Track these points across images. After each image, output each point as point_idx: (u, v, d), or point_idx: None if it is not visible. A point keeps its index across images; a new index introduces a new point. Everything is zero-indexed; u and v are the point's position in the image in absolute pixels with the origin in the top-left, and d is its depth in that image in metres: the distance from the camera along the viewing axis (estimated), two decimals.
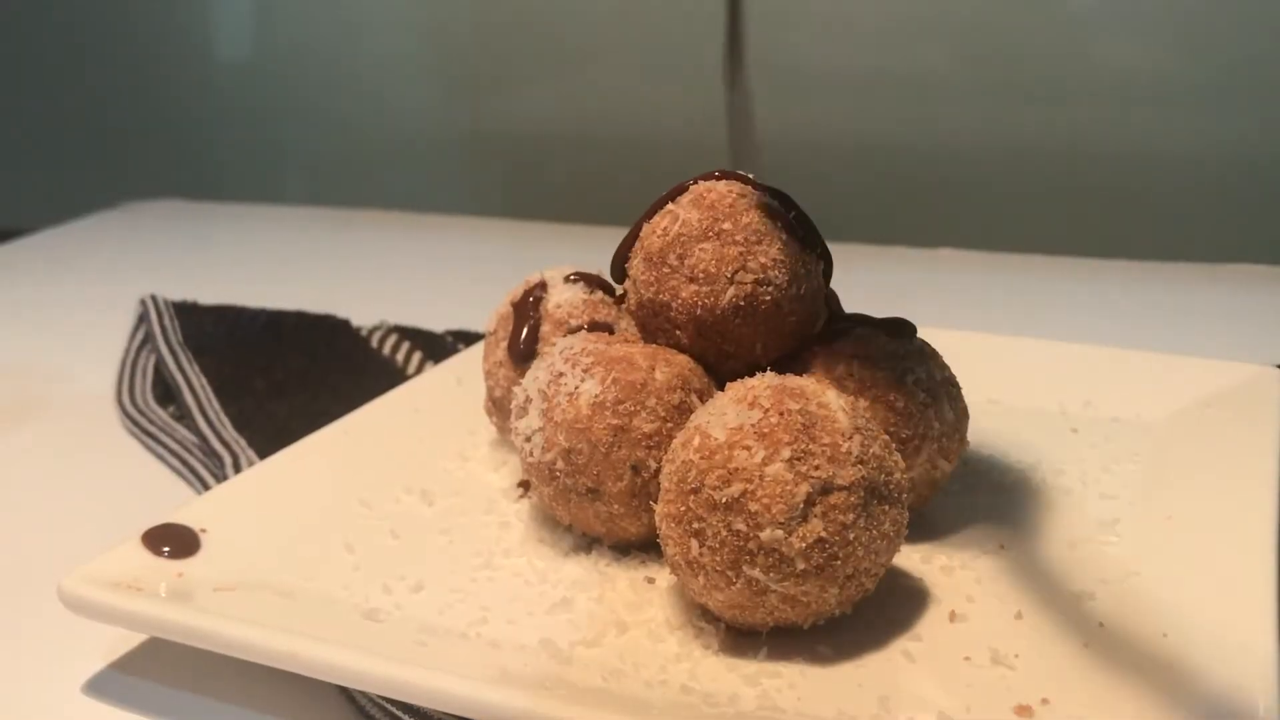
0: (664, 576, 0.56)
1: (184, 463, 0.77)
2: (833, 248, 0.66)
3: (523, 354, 0.66)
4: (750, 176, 0.61)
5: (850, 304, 0.67)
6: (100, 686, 0.53)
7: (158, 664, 0.54)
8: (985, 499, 0.63)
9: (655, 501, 0.52)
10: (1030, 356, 0.79)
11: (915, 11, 1.41)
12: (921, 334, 0.62)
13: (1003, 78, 1.39)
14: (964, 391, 0.63)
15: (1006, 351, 0.80)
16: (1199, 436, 0.68)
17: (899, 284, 1.16)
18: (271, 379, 0.88)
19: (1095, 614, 0.51)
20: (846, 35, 1.44)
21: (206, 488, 0.72)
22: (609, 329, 0.65)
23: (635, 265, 0.61)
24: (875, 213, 1.49)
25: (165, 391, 0.88)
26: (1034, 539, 0.58)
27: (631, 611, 0.54)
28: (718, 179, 0.60)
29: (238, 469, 0.72)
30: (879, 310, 0.66)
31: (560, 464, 0.57)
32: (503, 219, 1.54)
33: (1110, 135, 1.36)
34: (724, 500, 0.48)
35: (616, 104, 1.58)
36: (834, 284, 0.64)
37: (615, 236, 0.63)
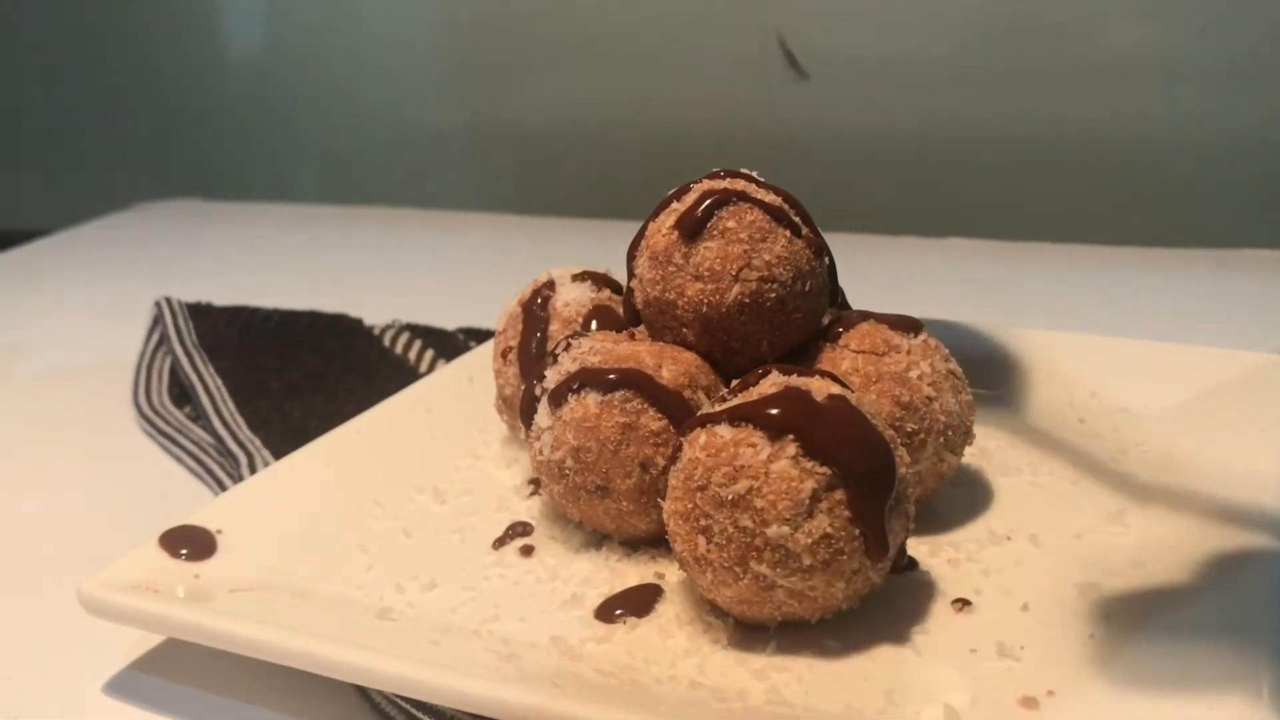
0: (673, 572, 0.57)
1: (200, 463, 0.78)
2: (841, 238, 0.66)
3: (532, 354, 0.66)
4: (753, 174, 0.62)
5: (859, 294, 0.67)
6: (120, 687, 0.54)
7: (176, 664, 0.55)
8: (991, 491, 0.64)
9: (664, 498, 0.53)
10: (1037, 346, 0.79)
11: None
12: (926, 326, 0.63)
13: (1010, 65, 1.39)
14: (969, 383, 0.63)
15: (1013, 342, 0.80)
16: (1207, 426, 0.68)
17: (908, 274, 1.16)
18: (286, 379, 0.89)
19: (1102, 605, 0.52)
20: (854, 23, 1.44)
21: (222, 488, 0.73)
22: (618, 327, 0.65)
23: (641, 264, 0.61)
24: (884, 202, 1.49)
25: (181, 393, 0.89)
26: (1040, 530, 0.58)
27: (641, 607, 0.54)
28: (721, 177, 0.61)
29: (253, 469, 0.73)
30: (888, 300, 0.66)
31: (569, 462, 0.57)
32: (514, 215, 1.54)
33: (1118, 122, 1.36)
34: (730, 497, 0.48)
35: (627, 100, 1.58)
36: (842, 275, 0.65)
37: (626, 231, 0.64)
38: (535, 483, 0.66)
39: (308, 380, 0.89)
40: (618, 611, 0.54)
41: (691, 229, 0.58)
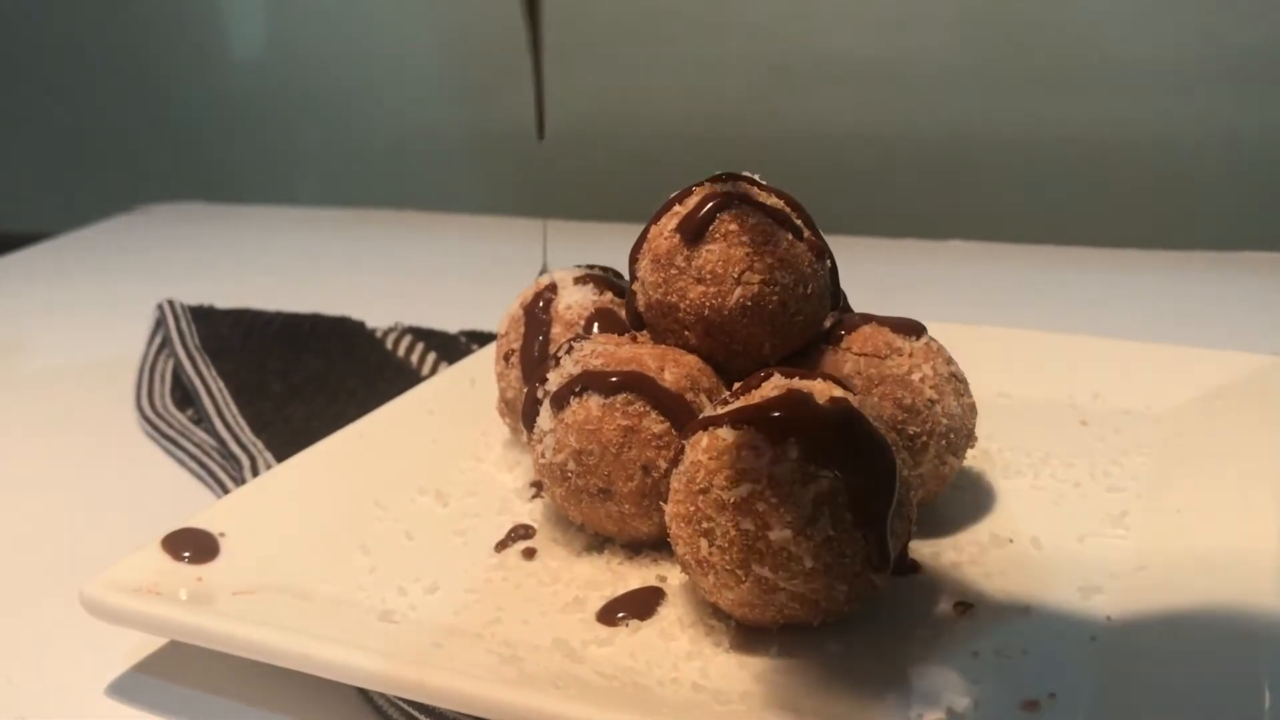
0: (675, 575, 0.57)
1: (203, 465, 0.78)
2: (842, 240, 0.66)
3: (534, 357, 0.66)
4: (755, 177, 0.62)
5: (860, 297, 0.68)
6: (123, 689, 0.54)
7: (179, 666, 0.55)
8: (994, 493, 0.64)
9: (666, 501, 0.53)
10: (1039, 349, 0.79)
11: None
12: (929, 328, 0.63)
13: (1011, 66, 1.39)
14: (973, 385, 0.63)
15: (1015, 344, 0.80)
16: (1209, 428, 0.68)
17: (909, 276, 1.16)
18: (288, 382, 0.89)
19: (1103, 608, 0.52)
20: (854, 23, 1.44)
21: (225, 490, 0.73)
22: (620, 329, 0.65)
23: (643, 267, 0.61)
24: (885, 205, 1.49)
25: (183, 395, 0.89)
26: (1042, 533, 0.59)
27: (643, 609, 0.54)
28: (723, 180, 0.61)
29: (255, 472, 0.73)
30: (889, 303, 0.66)
31: (571, 465, 0.57)
32: (516, 217, 1.54)
33: (1120, 124, 1.36)
34: (732, 500, 0.49)
35: (629, 102, 1.58)
36: (843, 277, 0.65)
37: (628, 233, 0.64)
38: (537, 485, 0.66)
39: (310, 383, 0.89)
40: (620, 614, 0.54)
41: (693, 232, 0.58)
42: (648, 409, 0.57)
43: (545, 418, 0.59)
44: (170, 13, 1.86)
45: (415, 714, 0.50)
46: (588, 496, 0.58)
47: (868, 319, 0.62)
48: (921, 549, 0.58)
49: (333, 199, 1.79)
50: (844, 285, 0.65)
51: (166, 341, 0.98)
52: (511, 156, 1.70)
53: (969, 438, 0.61)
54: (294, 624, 0.52)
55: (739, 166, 0.62)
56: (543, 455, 0.59)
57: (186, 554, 0.57)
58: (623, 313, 0.67)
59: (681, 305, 0.59)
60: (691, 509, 0.50)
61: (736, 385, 0.54)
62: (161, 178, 1.92)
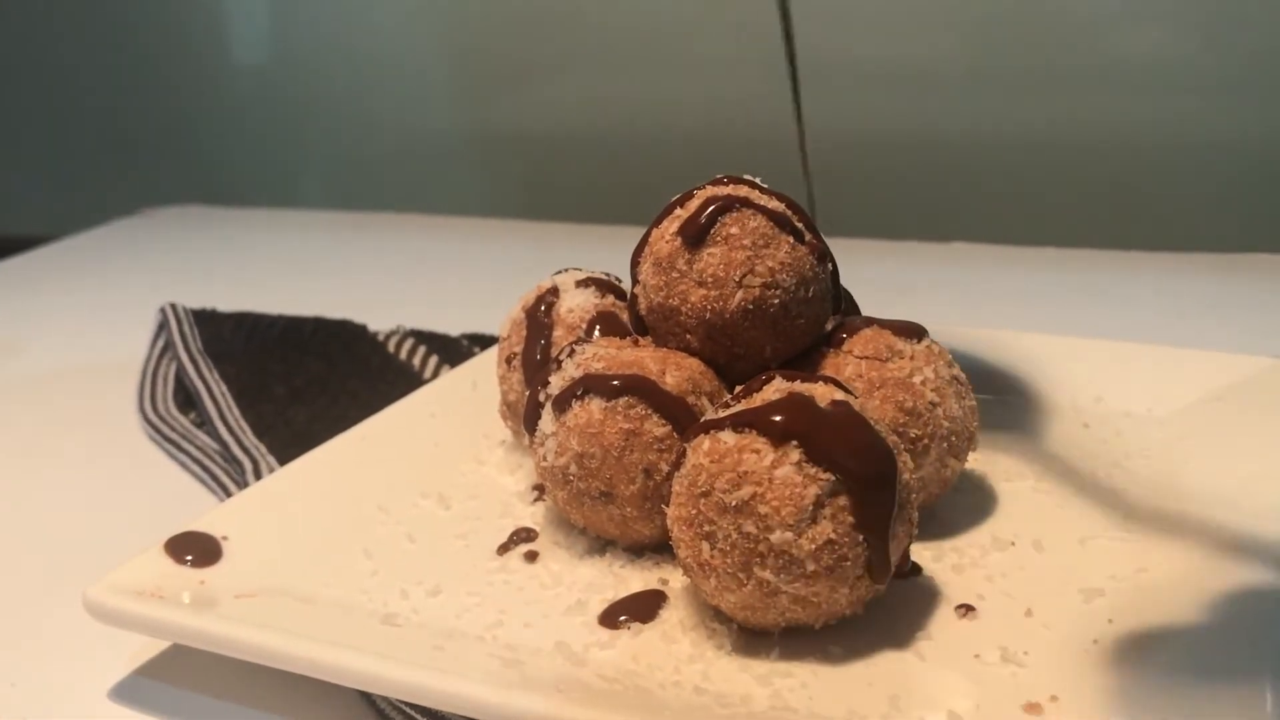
0: (677, 578, 0.57)
1: (205, 469, 0.78)
2: (843, 242, 0.66)
3: (536, 360, 0.66)
4: (756, 180, 0.62)
5: (863, 299, 0.68)
6: (125, 692, 0.54)
7: (182, 670, 0.55)
8: (995, 497, 0.64)
9: (667, 504, 0.53)
10: (1041, 351, 0.79)
11: (926, 1, 1.41)
12: (930, 331, 0.63)
13: (1015, 69, 1.39)
14: (974, 388, 0.63)
15: (1017, 346, 0.80)
16: (1211, 431, 0.68)
17: (911, 278, 1.16)
18: (290, 385, 0.89)
19: (1105, 611, 0.52)
20: (856, 26, 1.44)
21: (227, 494, 0.73)
22: (622, 332, 0.65)
23: (645, 270, 0.61)
24: (887, 207, 1.49)
25: (186, 399, 0.90)
26: (1044, 535, 0.58)
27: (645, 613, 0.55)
28: (725, 183, 0.61)
29: (258, 475, 0.73)
30: (891, 304, 0.66)
31: (573, 468, 0.57)
32: (518, 220, 1.55)
33: (1123, 127, 1.36)
34: (734, 503, 0.49)
35: (632, 104, 1.58)
36: (845, 279, 0.65)
37: (631, 236, 0.64)
38: (539, 488, 0.66)
39: (312, 385, 0.90)
40: (622, 617, 0.54)
41: (695, 235, 0.58)
42: (649, 412, 0.57)
43: (547, 421, 0.59)
44: (172, 16, 1.86)
45: (417, 717, 0.50)
46: (589, 499, 0.58)
47: (869, 322, 0.62)
48: (923, 551, 0.58)
49: (334, 202, 1.79)
50: (845, 287, 0.65)
51: (169, 345, 0.98)
52: (514, 159, 1.70)
53: (970, 440, 0.61)
54: (296, 627, 0.52)
55: (740, 169, 0.62)
56: (544, 458, 0.59)
57: (189, 557, 0.57)
58: (624, 316, 0.67)
59: (683, 308, 0.59)
60: (693, 512, 0.50)
61: (738, 388, 0.54)
62: (164, 181, 1.92)
